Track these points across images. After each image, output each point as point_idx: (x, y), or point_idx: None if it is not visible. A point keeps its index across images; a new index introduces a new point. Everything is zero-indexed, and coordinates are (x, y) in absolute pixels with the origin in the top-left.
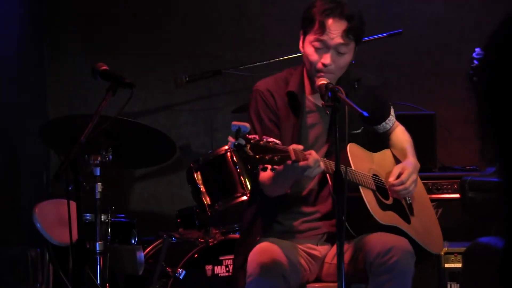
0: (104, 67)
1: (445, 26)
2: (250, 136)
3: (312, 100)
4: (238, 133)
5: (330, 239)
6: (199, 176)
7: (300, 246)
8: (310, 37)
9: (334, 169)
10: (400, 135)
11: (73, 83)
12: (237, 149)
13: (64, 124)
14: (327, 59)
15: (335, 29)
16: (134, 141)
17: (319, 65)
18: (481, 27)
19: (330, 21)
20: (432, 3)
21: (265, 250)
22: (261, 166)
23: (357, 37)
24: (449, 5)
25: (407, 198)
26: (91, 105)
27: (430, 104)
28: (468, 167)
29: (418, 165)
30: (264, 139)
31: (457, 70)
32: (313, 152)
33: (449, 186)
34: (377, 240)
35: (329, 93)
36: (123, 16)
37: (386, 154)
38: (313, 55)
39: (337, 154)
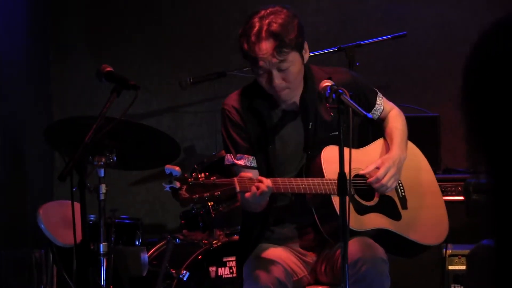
0: (108, 69)
1: (449, 28)
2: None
3: (282, 109)
4: (170, 177)
5: (316, 246)
6: None
7: (293, 251)
8: (252, 66)
9: (294, 188)
10: (390, 122)
11: (78, 85)
12: (172, 192)
13: (69, 125)
14: (274, 81)
15: (265, 52)
16: (139, 142)
17: (272, 88)
18: None
19: (257, 48)
20: (436, 6)
21: (258, 257)
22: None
23: (293, 45)
24: (453, 7)
25: (400, 191)
26: (95, 106)
27: (434, 106)
28: (472, 169)
29: (402, 156)
30: (204, 176)
31: (461, 72)
32: (263, 179)
33: (453, 188)
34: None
35: (333, 95)
36: (128, 18)
37: (377, 145)
38: (262, 82)
39: (341, 155)
